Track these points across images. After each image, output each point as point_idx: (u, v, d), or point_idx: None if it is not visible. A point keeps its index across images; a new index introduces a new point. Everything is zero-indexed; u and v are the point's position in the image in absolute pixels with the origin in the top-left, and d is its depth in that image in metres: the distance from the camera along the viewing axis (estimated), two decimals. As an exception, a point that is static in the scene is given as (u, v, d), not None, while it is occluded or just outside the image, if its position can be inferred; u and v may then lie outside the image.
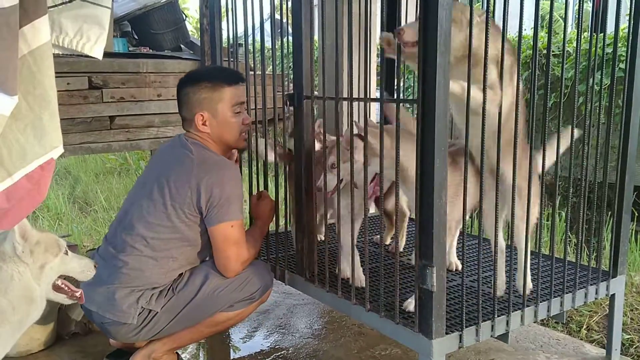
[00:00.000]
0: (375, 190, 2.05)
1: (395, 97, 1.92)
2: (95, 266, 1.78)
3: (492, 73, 1.81)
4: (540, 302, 2.11)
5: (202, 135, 2.21)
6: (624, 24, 2.49)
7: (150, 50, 3.24)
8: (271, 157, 2.50)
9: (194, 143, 2.19)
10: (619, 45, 2.26)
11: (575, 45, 2.25)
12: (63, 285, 1.71)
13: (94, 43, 1.67)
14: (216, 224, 2.09)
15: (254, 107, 2.56)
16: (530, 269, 2.33)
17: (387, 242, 2.77)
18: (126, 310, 2.06)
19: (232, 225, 2.11)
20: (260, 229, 2.40)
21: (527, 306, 2.07)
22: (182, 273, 2.18)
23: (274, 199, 2.47)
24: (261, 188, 2.55)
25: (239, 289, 2.18)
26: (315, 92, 2.24)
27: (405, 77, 5.69)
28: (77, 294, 1.76)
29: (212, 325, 2.21)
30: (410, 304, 1.99)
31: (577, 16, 2.04)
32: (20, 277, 1.56)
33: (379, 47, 3.42)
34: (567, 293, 2.19)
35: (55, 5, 1.61)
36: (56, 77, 1.50)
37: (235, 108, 2.21)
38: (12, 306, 1.55)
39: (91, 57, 1.72)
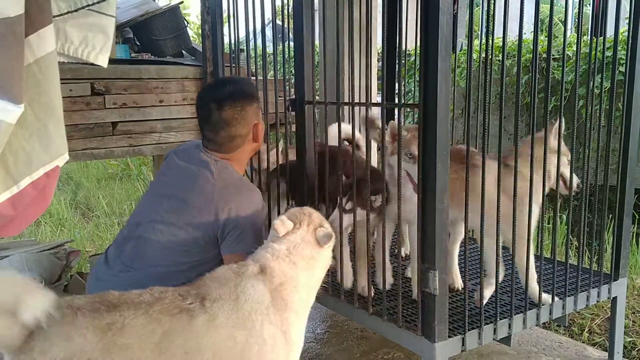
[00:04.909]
0: None
1: (396, 101, 1.93)
2: None
3: None
4: (542, 305, 2.11)
5: (232, 155, 2.07)
6: (623, 27, 2.50)
7: (152, 57, 3.25)
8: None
9: (216, 163, 2.03)
10: (619, 48, 2.27)
11: (575, 48, 2.26)
12: None
13: (99, 51, 1.69)
14: (227, 253, 1.98)
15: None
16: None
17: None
18: None
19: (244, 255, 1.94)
20: None
21: (530, 309, 2.07)
22: None
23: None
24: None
25: None
26: (317, 97, 2.25)
27: (406, 81, 5.70)
28: None
29: None
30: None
31: (577, 20, 2.05)
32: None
33: (379, 51, 3.43)
34: (569, 296, 2.19)
35: (61, 14, 1.62)
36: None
37: None
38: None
39: (96, 65, 1.73)
